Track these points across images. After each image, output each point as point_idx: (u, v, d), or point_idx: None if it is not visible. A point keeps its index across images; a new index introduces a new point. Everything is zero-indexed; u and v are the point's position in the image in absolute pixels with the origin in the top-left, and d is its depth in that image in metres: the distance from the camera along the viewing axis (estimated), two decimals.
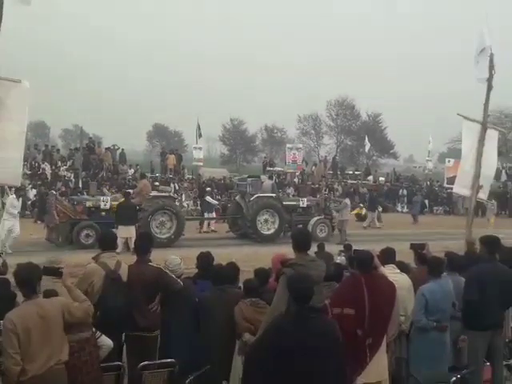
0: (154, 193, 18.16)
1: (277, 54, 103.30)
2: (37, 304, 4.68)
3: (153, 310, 5.93)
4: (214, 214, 23.24)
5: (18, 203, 16.28)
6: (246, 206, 19.71)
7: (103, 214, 17.44)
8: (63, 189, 23.57)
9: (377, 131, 58.85)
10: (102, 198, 18.28)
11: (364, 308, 5.43)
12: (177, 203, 19.34)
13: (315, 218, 20.31)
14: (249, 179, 20.72)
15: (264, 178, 22.31)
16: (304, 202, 21.03)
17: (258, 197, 19.60)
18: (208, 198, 23.12)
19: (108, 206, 17.42)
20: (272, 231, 19.41)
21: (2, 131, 5.79)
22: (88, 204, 17.54)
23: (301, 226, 19.61)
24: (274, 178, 33.84)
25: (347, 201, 21.07)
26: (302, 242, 5.63)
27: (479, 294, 6.28)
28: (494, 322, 6.53)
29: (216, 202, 23.62)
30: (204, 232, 21.85)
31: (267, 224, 19.46)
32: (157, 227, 17.28)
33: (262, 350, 4.64)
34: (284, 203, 20.28)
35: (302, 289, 4.58)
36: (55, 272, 5.14)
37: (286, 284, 4.92)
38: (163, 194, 18.43)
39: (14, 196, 15.70)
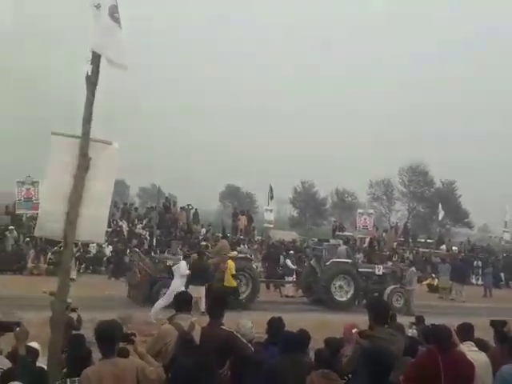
0: (232, 253, 18.37)
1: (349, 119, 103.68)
2: (113, 363, 4.71)
3: (222, 374, 5.93)
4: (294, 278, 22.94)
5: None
6: (320, 270, 19.60)
7: None
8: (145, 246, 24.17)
9: (451, 199, 57.43)
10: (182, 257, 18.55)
11: None
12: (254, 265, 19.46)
13: (391, 287, 19.80)
14: (325, 244, 20.69)
15: (338, 242, 22.20)
16: (380, 270, 20.60)
17: (333, 262, 19.47)
18: (288, 262, 23.03)
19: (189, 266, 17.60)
20: (346, 298, 19.14)
21: (90, 190, 6.06)
22: (169, 263, 17.79)
23: (376, 294, 19.28)
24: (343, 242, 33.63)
25: (413, 269, 20.50)
26: (381, 314, 5.57)
27: None
28: None
29: (294, 267, 23.44)
30: (285, 296, 21.68)
31: (342, 290, 19.23)
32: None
33: None
34: (359, 270, 20.02)
35: (382, 364, 4.49)
36: (128, 338, 5.19)
37: (360, 355, 4.83)
38: (241, 255, 18.68)
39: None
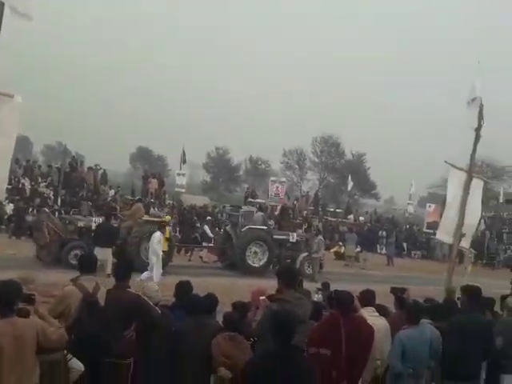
0: (146, 217, 18.13)
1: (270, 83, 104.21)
2: (13, 323, 4.54)
3: (128, 336, 5.82)
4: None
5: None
6: (236, 236, 19.72)
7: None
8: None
9: (360, 171, 59.41)
10: (93, 218, 18.08)
11: (340, 349, 5.40)
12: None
13: (303, 254, 20.23)
14: (241, 210, 20.78)
15: (253, 209, 22.36)
16: (294, 237, 20.94)
17: (249, 228, 19.62)
18: (206, 229, 22.95)
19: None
20: (261, 264, 19.35)
21: None
22: (80, 224, 17.42)
23: (289, 260, 19.74)
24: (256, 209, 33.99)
25: (321, 237, 21.03)
26: (290, 278, 5.64)
27: (460, 344, 6.25)
28: (473, 373, 6.49)
29: (212, 235, 23.36)
30: (204, 261, 21.64)
31: (256, 256, 19.42)
32: (146, 252, 16.99)
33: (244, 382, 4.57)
34: (274, 237, 20.27)
35: (285, 327, 4.52)
36: (27, 299, 5.02)
37: (269, 319, 4.85)
38: (156, 219, 18.31)
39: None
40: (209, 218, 26.07)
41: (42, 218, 17.68)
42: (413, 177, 43.78)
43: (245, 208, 22.45)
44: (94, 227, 17.07)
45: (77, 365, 5.19)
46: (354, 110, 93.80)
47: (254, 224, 20.06)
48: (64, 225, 17.54)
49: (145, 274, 15.08)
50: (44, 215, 17.77)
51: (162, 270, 15.84)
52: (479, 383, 6.73)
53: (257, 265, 19.35)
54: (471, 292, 6.75)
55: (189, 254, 22.48)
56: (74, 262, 15.90)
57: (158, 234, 15.95)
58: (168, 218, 19.73)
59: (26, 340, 4.56)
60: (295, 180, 63.75)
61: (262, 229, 19.99)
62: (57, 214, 21.34)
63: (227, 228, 21.17)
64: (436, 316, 6.78)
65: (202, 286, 11.95)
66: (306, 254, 20.30)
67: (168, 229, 17.86)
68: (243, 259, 19.17)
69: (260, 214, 21.63)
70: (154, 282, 14.06)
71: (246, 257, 19.23)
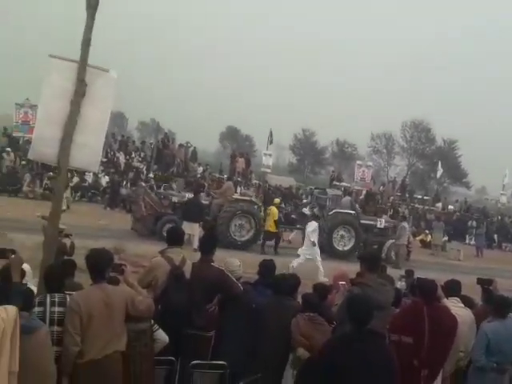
0: (236, 195, 18.70)
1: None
2: (103, 290, 4.75)
3: (210, 310, 5.99)
4: None
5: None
6: (323, 219, 19.69)
7: None
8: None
9: (451, 158, 57.25)
10: (186, 194, 18.68)
11: (423, 338, 5.33)
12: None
13: (390, 241, 19.98)
14: (329, 193, 20.78)
15: (339, 192, 22.31)
16: (382, 223, 20.74)
17: (336, 212, 19.66)
18: (305, 210, 22.99)
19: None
20: (347, 248, 19.37)
21: (85, 117, 5.95)
22: (174, 199, 18.08)
23: (375, 246, 19.66)
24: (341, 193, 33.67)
25: (405, 224, 20.53)
26: (373, 262, 5.62)
27: None
28: None
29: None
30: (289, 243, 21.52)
31: (343, 240, 19.44)
32: (236, 230, 17.80)
33: (316, 364, 4.62)
34: (361, 221, 20.17)
35: (360, 311, 4.53)
36: (118, 269, 5.23)
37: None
38: (245, 197, 18.82)
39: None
40: (305, 200, 25.92)
41: (139, 192, 18.55)
42: (508, 166, 41.52)
43: (333, 191, 22.35)
44: None
45: (162, 336, 5.33)
46: (446, 96, 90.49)
47: (341, 208, 20.05)
48: (159, 199, 18.21)
49: (294, 261, 15.20)
50: (141, 190, 18.65)
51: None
52: None
53: (343, 248, 19.34)
54: None
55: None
56: None
57: (314, 224, 16.15)
58: (277, 200, 20.17)
59: (115, 307, 4.74)
60: (382, 165, 62.49)
61: (350, 213, 19.94)
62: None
63: (315, 210, 21.10)
64: None
65: (286, 266, 12.10)
66: (393, 240, 19.98)
67: (274, 210, 18.37)
68: (330, 242, 19.17)
69: (348, 198, 21.57)
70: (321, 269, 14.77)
71: (332, 240, 19.24)
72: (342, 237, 19.46)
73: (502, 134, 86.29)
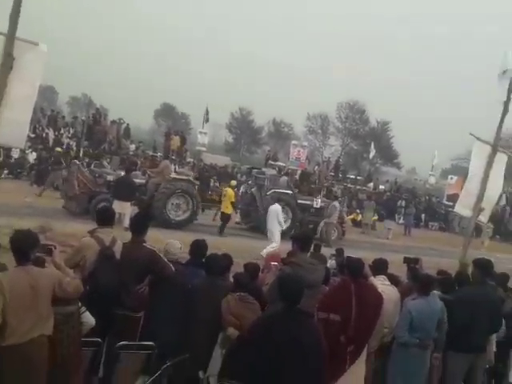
0: (173, 175, 18.43)
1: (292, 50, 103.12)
2: (28, 272, 4.62)
3: (140, 291, 5.91)
4: None
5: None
6: (261, 199, 19.87)
7: None
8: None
9: (383, 139, 58.73)
10: (122, 173, 18.14)
11: (350, 315, 5.46)
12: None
13: (325, 220, 20.28)
14: (267, 173, 20.84)
15: (272, 171, 22.45)
16: (318, 203, 21.03)
17: (274, 192, 19.70)
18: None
19: None
20: (284, 228, 19.39)
21: (12, 92, 5.72)
22: (108, 178, 17.64)
23: (311, 226, 19.99)
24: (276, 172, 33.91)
25: (336, 203, 20.88)
26: (305, 242, 5.69)
27: (468, 315, 6.26)
28: (480, 345, 6.53)
29: None
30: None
31: None
32: (172, 209, 17.58)
33: (245, 342, 4.64)
34: (298, 201, 20.37)
35: (291, 290, 4.58)
36: (45, 249, 5.09)
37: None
38: (183, 177, 18.53)
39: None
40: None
41: (72, 170, 18.00)
42: (437, 148, 43.07)
43: (270, 171, 22.48)
44: None
45: (88, 319, 5.26)
46: (381, 77, 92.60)
47: (279, 188, 20.17)
48: (94, 178, 17.79)
49: (271, 247, 15.01)
50: (74, 167, 18.06)
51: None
52: (485, 356, 6.77)
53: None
54: (482, 265, 6.72)
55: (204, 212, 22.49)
56: None
57: (278, 207, 16.26)
58: (233, 182, 20.18)
59: (41, 289, 4.63)
60: (317, 145, 63.32)
61: (287, 193, 20.08)
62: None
63: (253, 190, 21.28)
64: (446, 288, 6.79)
65: (222, 245, 12.11)
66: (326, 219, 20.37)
67: (230, 191, 18.44)
68: (267, 222, 19.23)
69: (285, 178, 21.74)
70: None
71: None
72: None
73: (433, 116, 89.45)
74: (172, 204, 17.57)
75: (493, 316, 6.45)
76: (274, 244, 15.32)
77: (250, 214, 20.72)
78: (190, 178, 18.79)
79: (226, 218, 18.35)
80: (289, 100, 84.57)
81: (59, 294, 4.75)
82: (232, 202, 18.31)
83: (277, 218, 15.86)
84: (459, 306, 6.41)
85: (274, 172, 22.20)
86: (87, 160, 24.43)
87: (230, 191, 18.50)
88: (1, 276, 4.56)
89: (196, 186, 18.64)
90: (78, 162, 19.34)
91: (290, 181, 22.08)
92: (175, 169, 26.68)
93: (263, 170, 23.01)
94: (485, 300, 6.43)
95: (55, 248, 5.16)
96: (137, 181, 17.50)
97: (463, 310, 6.32)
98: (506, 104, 9.48)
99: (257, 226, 19.75)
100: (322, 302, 5.63)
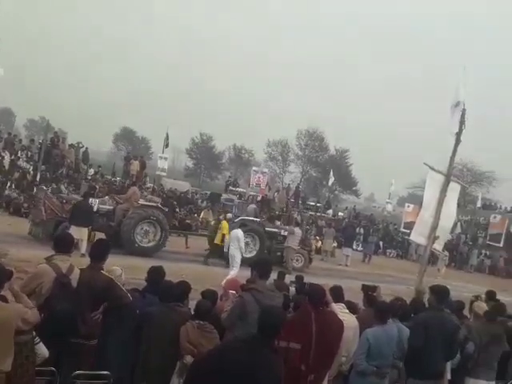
0: (142, 201, 18.26)
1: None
2: None
3: (95, 318, 5.80)
4: None
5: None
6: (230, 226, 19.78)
7: None
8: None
9: (342, 166, 59.69)
10: (91, 199, 17.99)
11: (310, 343, 5.43)
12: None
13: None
14: (236, 200, 20.86)
15: (232, 197, 22.61)
16: (285, 231, 21.06)
17: (242, 219, 19.79)
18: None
19: (95, 208, 17.19)
20: (251, 255, 19.06)
21: None
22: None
23: (279, 253, 20.22)
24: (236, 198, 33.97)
25: (297, 229, 20.99)
26: (264, 269, 5.74)
27: (424, 341, 6.33)
28: (437, 371, 6.58)
29: None
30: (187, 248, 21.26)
31: (248, 247, 19.18)
32: (140, 235, 17.41)
33: (204, 368, 4.56)
34: (266, 229, 20.43)
35: (273, 325, 4.54)
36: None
37: (242, 308, 5.07)
38: (151, 203, 18.45)
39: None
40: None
41: (39, 195, 17.77)
42: (393, 176, 44.04)
43: (224, 196, 22.57)
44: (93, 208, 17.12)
45: (42, 350, 5.13)
46: (339, 109, 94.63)
47: (247, 215, 20.31)
48: (61, 203, 17.49)
49: (231, 273, 14.83)
50: (42, 193, 17.79)
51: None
52: (443, 382, 6.85)
53: (247, 256, 19.36)
54: (439, 291, 6.83)
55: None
56: None
57: (240, 232, 16.22)
58: (229, 215, 19.95)
59: (3, 325, 4.56)
60: (278, 171, 63.98)
61: (255, 220, 20.22)
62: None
63: (220, 217, 21.22)
64: (402, 315, 6.89)
65: (184, 272, 12.04)
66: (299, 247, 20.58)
67: (225, 224, 18.50)
68: (229, 247, 19.13)
69: (253, 206, 22.02)
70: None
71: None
72: (247, 244, 19.27)
73: (390, 144, 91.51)
74: (141, 229, 17.46)
75: (448, 343, 6.53)
76: (234, 270, 15.24)
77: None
78: (159, 205, 18.76)
79: (217, 249, 18.43)
80: (250, 126, 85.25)
81: (24, 327, 4.72)
82: (223, 235, 18.29)
83: (238, 242, 15.81)
84: (415, 330, 6.46)
85: (241, 200, 22.30)
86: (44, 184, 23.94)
87: (224, 224, 18.53)
88: None
89: (163, 213, 18.46)
90: (44, 188, 19.07)
91: (257, 209, 22.34)
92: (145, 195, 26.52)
93: (230, 197, 23.12)
94: (440, 326, 6.52)
95: (12, 274, 5.03)
96: (104, 207, 17.51)
97: (418, 335, 6.38)
98: (458, 135, 9.82)
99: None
100: (283, 330, 5.60)
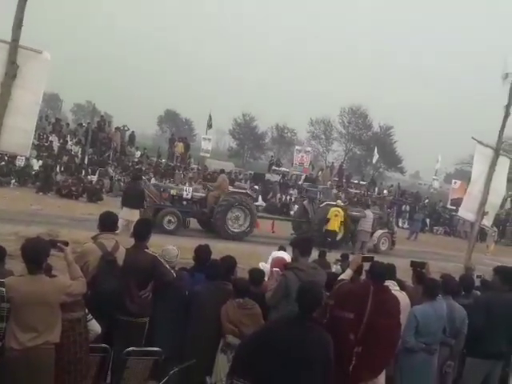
0: (231, 188, 19.21)
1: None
2: (38, 281, 4.66)
3: (144, 296, 5.90)
4: None
5: None
6: (312, 211, 20.61)
7: (184, 202, 18.48)
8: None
9: (387, 144, 58.70)
10: (184, 187, 19.30)
11: (363, 314, 5.34)
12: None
13: (380, 232, 20.75)
14: (320, 186, 21.16)
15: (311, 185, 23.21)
16: (371, 215, 21.00)
17: (327, 204, 20.35)
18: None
19: (190, 196, 18.44)
20: (338, 238, 19.81)
21: (16, 99, 5.75)
22: (172, 192, 18.46)
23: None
24: (280, 178, 33.90)
25: (369, 212, 20.76)
26: (305, 247, 5.76)
27: (486, 321, 6.21)
28: (497, 351, 6.47)
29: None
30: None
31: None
32: (231, 221, 18.25)
33: (252, 347, 4.63)
34: (350, 213, 20.64)
35: (310, 300, 4.59)
36: (56, 246, 5.06)
37: (285, 287, 5.11)
38: (240, 190, 19.41)
39: None
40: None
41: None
42: (440, 152, 43.03)
43: (322, 186, 22.99)
44: (185, 196, 18.33)
45: (95, 326, 5.26)
46: (384, 82, 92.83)
47: (331, 200, 20.88)
48: (159, 192, 18.41)
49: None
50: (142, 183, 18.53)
51: None
52: (509, 362, 6.72)
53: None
54: (503, 272, 6.66)
55: None
56: (167, 226, 17.24)
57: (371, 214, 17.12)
58: (340, 202, 20.75)
59: (49, 298, 4.66)
60: (321, 150, 63.43)
61: (340, 206, 20.44)
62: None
63: (304, 203, 21.89)
64: (450, 292, 6.74)
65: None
66: (382, 230, 20.85)
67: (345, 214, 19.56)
68: (320, 233, 19.46)
69: (334, 191, 22.25)
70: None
71: (322, 232, 19.52)
72: None
73: (437, 120, 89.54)
74: (232, 215, 18.26)
75: None
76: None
77: (301, 226, 21.13)
78: (248, 191, 19.76)
79: (332, 235, 19.19)
80: (292, 105, 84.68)
81: (69, 299, 4.81)
82: (341, 222, 19.36)
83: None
84: (477, 310, 6.39)
85: (325, 186, 23.26)
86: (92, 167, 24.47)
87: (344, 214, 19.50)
88: (9, 281, 4.61)
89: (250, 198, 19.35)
90: (143, 178, 20.06)
91: (337, 194, 22.68)
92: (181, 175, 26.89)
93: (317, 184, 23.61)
94: (504, 308, 6.37)
95: (67, 245, 5.12)
96: (198, 194, 18.59)
97: (479, 315, 6.28)
98: (507, 108, 9.49)
99: None
100: (339, 299, 5.54)
